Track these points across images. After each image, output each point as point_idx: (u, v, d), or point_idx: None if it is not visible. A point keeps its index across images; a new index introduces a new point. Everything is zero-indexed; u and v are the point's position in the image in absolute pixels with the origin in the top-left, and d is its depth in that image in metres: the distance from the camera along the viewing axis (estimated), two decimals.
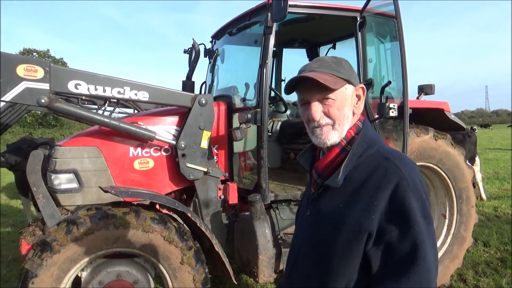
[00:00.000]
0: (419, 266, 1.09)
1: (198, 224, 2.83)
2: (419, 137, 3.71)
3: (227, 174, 3.54)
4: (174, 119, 3.32)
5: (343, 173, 1.23)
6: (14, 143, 5.34)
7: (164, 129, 3.27)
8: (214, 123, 3.40)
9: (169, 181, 3.32)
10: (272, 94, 4.73)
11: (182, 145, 3.18)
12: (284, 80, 5.36)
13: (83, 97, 3.18)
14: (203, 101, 3.24)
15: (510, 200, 7.75)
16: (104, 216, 2.59)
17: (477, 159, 7.88)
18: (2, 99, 2.63)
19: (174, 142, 3.20)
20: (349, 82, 1.29)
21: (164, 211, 2.97)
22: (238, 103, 3.74)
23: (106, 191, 2.66)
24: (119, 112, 3.94)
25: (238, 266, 3.56)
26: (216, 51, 4.48)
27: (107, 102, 3.13)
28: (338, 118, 1.27)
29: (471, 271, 4.40)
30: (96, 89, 2.91)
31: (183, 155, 3.20)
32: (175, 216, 3.01)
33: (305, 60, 5.28)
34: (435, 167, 3.91)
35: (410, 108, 3.46)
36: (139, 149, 3.19)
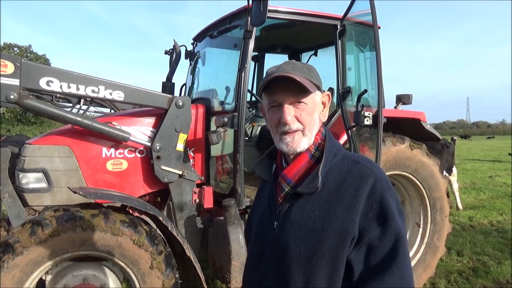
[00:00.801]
0: (401, 262, 1.11)
1: (169, 228, 2.78)
2: (395, 146, 3.75)
3: (203, 178, 3.51)
4: (150, 120, 3.27)
5: (321, 177, 1.20)
6: None
7: (140, 130, 3.21)
8: (191, 126, 3.36)
9: (143, 183, 3.26)
10: (254, 98, 4.73)
11: (157, 147, 3.13)
12: None
13: (58, 95, 3.11)
14: (180, 103, 3.20)
15: (485, 211, 7.91)
16: (71, 218, 2.51)
17: (454, 169, 8.02)
18: None
19: (149, 144, 3.15)
20: (318, 88, 1.28)
21: (136, 214, 2.91)
22: (216, 106, 3.71)
23: (75, 192, 2.58)
24: (95, 112, 3.86)
25: (212, 271, 3.52)
26: (197, 54, 4.45)
27: (81, 100, 3.06)
28: (308, 123, 1.25)
29: (444, 280, 4.45)
30: (69, 87, 2.85)
31: (158, 157, 3.15)
32: (147, 219, 2.95)
33: None
34: (410, 176, 3.95)
35: (386, 117, 3.49)
36: (112, 149, 3.13)
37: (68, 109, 3.01)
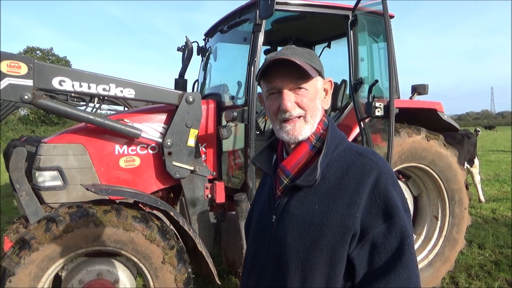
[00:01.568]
0: (407, 261, 1.06)
1: (181, 223, 2.80)
2: (410, 138, 3.66)
3: (215, 173, 3.51)
4: (161, 117, 3.29)
5: (320, 169, 1.14)
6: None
7: (151, 126, 3.24)
8: (203, 121, 3.37)
9: (156, 179, 3.29)
10: None
11: (169, 143, 3.15)
12: None
13: (72, 94, 3.17)
14: (191, 99, 3.21)
15: (509, 203, 7.66)
16: (84, 214, 2.56)
17: (476, 160, 7.79)
18: None
19: (160, 140, 3.17)
20: (320, 74, 1.22)
21: (148, 209, 2.94)
22: (227, 101, 3.71)
23: (87, 189, 2.63)
24: (109, 110, 3.92)
25: (225, 266, 3.53)
26: (209, 49, 4.45)
27: (94, 99, 3.11)
28: (310, 109, 1.18)
29: (464, 274, 4.34)
30: (81, 86, 2.89)
31: (169, 153, 3.17)
32: (159, 215, 2.98)
33: None
34: (427, 168, 3.85)
35: (401, 108, 3.41)
36: (125, 146, 3.17)
37: (82, 108, 3.07)
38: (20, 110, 27.05)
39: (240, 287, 1.40)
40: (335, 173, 1.16)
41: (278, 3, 3.06)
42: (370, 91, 3.16)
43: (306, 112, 1.18)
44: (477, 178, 7.82)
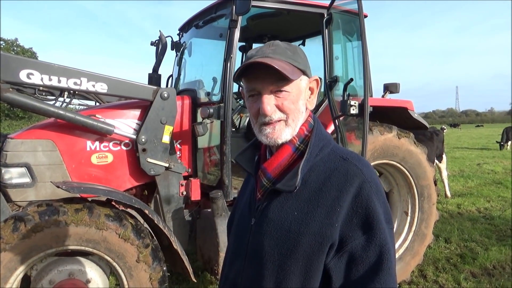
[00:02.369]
0: (385, 277, 1.01)
1: (155, 221, 2.76)
2: (382, 135, 3.75)
3: (190, 170, 3.47)
4: (135, 112, 3.22)
5: (300, 175, 1.08)
6: None
7: (124, 122, 3.17)
8: (177, 117, 3.32)
9: (129, 176, 3.22)
10: (241, 89, 4.69)
11: (143, 140, 3.09)
12: None
13: (40, 88, 3.04)
14: (165, 95, 3.16)
15: (473, 198, 8.01)
16: (54, 213, 2.47)
17: (444, 156, 8.10)
18: None
19: (134, 137, 3.11)
20: (304, 73, 1.15)
21: (121, 207, 2.87)
22: (203, 97, 3.67)
23: (58, 186, 2.54)
24: (79, 105, 3.80)
25: (201, 263, 3.51)
26: (184, 44, 4.38)
27: (64, 93, 3.00)
28: (292, 112, 1.11)
29: (432, 267, 4.51)
30: (50, 79, 2.78)
31: (144, 149, 3.11)
32: (133, 213, 2.92)
33: None
34: (398, 165, 3.96)
35: (373, 106, 3.49)
36: (97, 143, 3.08)
37: (51, 102, 2.95)
38: None
39: (219, 286, 1.37)
40: (317, 179, 1.10)
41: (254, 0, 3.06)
42: (345, 89, 3.21)
43: (287, 115, 1.12)
44: (444, 173, 8.12)
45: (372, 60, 3.46)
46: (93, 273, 2.68)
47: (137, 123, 3.19)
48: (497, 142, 19.83)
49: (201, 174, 3.57)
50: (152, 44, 4.39)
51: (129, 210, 2.90)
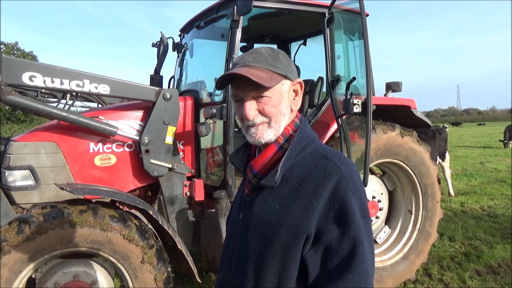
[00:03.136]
0: (357, 268, 1.05)
1: (160, 222, 2.75)
2: (385, 134, 3.74)
3: (193, 171, 3.47)
4: (138, 113, 3.22)
5: (280, 172, 1.16)
6: None
7: (127, 124, 3.17)
8: (180, 118, 3.32)
9: (133, 177, 3.22)
10: None
11: (146, 141, 3.09)
12: None
13: (43, 90, 3.05)
14: (168, 96, 3.16)
15: (476, 196, 7.98)
16: (59, 215, 2.47)
17: (447, 155, 8.08)
18: None
19: (137, 138, 3.10)
20: (286, 77, 1.21)
21: (125, 209, 2.88)
22: (205, 98, 3.67)
23: (62, 188, 2.54)
24: (82, 106, 3.80)
25: (205, 264, 3.50)
26: (185, 45, 4.38)
27: (66, 95, 3.00)
28: (274, 115, 1.19)
29: (436, 265, 4.49)
30: (52, 82, 2.79)
31: (147, 151, 3.11)
32: (137, 214, 2.92)
33: None
34: (401, 163, 3.94)
35: (376, 104, 3.47)
36: (100, 144, 3.08)
37: (54, 104, 2.95)
38: None
39: (215, 283, 1.44)
40: (299, 175, 1.17)
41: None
42: (347, 88, 3.20)
43: (270, 118, 1.20)
44: (448, 172, 8.10)
45: (372, 59, 3.45)
46: (98, 274, 2.68)
47: (139, 124, 3.18)
48: (500, 140, 19.78)
49: (205, 174, 3.57)
50: (153, 45, 4.40)
51: (133, 211, 2.91)
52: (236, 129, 3.40)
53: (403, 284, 4.06)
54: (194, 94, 3.64)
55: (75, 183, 2.94)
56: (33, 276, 2.59)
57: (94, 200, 2.80)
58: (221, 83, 1.22)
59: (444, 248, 5.00)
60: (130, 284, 2.67)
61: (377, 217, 4.04)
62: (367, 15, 3.73)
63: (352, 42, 3.99)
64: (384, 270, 3.93)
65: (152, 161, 3.12)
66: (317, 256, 1.09)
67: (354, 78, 3.24)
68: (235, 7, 3.06)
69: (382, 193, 4.12)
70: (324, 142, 3.58)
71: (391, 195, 4.32)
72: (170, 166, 3.19)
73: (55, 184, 2.71)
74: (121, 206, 2.87)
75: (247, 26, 4.20)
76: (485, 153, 17.25)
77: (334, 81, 3.51)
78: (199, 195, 3.32)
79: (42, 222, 2.42)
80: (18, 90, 2.82)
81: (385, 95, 4.30)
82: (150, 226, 2.89)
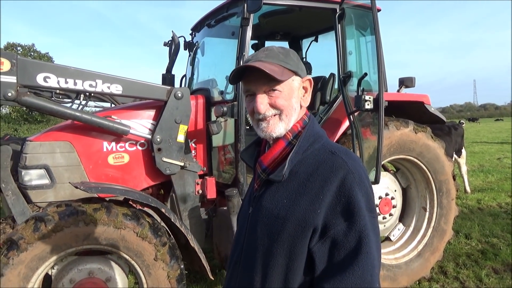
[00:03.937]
0: (363, 261, 1.07)
1: (172, 220, 2.78)
2: (399, 130, 3.69)
3: (205, 169, 3.49)
4: (150, 112, 3.25)
5: (288, 166, 1.19)
6: None
7: (140, 123, 3.20)
8: (192, 116, 3.34)
9: (145, 176, 3.25)
10: None
11: (158, 139, 3.12)
12: None
13: (57, 91, 3.11)
14: (179, 94, 3.18)
15: (493, 193, 7.83)
16: (73, 213, 2.51)
17: (463, 151, 7.93)
18: None
19: (149, 136, 3.13)
20: (296, 73, 1.26)
21: (138, 207, 2.91)
22: (216, 96, 3.68)
23: (76, 187, 2.59)
24: (95, 106, 3.85)
25: (218, 261, 3.52)
26: (196, 44, 4.40)
27: (80, 95, 3.04)
28: (285, 108, 1.23)
29: (452, 263, 4.42)
30: (66, 82, 2.83)
31: (159, 149, 3.14)
32: (150, 212, 2.95)
33: None
34: (415, 160, 3.89)
35: (389, 101, 3.44)
36: (113, 143, 3.12)
37: (68, 105, 3.00)
38: (2, 109, 26.48)
39: (226, 276, 1.47)
40: (306, 170, 1.19)
41: None
42: (359, 84, 3.17)
43: (281, 111, 1.23)
44: (464, 168, 7.96)
45: (385, 56, 3.41)
46: (112, 271, 2.72)
47: (152, 123, 3.21)
48: None
49: (216, 172, 3.59)
50: (165, 44, 4.43)
51: (146, 209, 2.94)
52: (248, 127, 3.40)
53: (417, 282, 4.02)
54: (206, 92, 3.65)
55: (89, 181, 2.99)
56: (49, 273, 2.65)
57: (107, 199, 2.84)
58: (234, 77, 1.25)
59: (460, 246, 4.92)
60: (144, 281, 2.70)
61: (390, 215, 4.00)
62: (379, 10, 3.69)
63: (364, 38, 3.94)
64: (398, 267, 3.89)
65: (165, 159, 3.14)
66: (324, 249, 1.12)
67: (365, 74, 3.21)
68: (245, 5, 3.07)
69: (395, 190, 4.07)
70: (336, 139, 3.56)
71: (404, 192, 4.27)
72: (182, 164, 3.22)
73: (69, 183, 2.76)
74: (134, 204, 2.90)
75: (257, 23, 4.20)
76: (502, 149, 16.89)
77: (345, 77, 3.49)
78: (211, 193, 3.33)
79: (58, 220, 2.47)
80: (33, 91, 2.88)
81: (398, 91, 4.24)
82: (163, 224, 2.92)
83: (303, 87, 1.30)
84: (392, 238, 4.18)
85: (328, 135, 1.49)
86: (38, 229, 2.43)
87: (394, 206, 4.01)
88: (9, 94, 2.62)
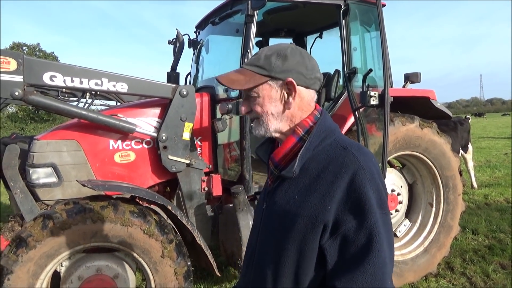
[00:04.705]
0: (374, 258, 1.06)
1: (179, 217, 2.80)
2: (404, 126, 3.68)
3: (211, 166, 3.50)
4: (155, 110, 3.26)
5: (299, 163, 1.19)
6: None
7: (145, 121, 3.22)
8: (197, 114, 3.35)
9: (152, 173, 3.27)
10: None
11: (164, 137, 3.13)
12: None
13: (63, 90, 3.13)
14: (184, 92, 3.19)
15: (500, 188, 7.78)
16: (81, 210, 2.54)
17: (470, 146, 7.89)
18: None
19: (155, 134, 3.15)
20: (272, 78, 1.22)
21: (145, 204, 2.93)
22: (221, 94, 3.68)
23: (83, 185, 2.61)
24: (101, 105, 3.87)
25: (224, 258, 3.54)
26: (201, 42, 4.41)
27: (86, 94, 3.06)
28: (260, 114, 1.25)
29: (459, 259, 4.41)
30: (72, 81, 2.85)
31: (165, 147, 3.15)
32: (156, 209, 2.97)
33: None
34: (421, 156, 3.88)
35: (394, 96, 3.43)
36: (119, 141, 3.14)
37: (74, 103, 3.02)
38: (8, 108, 26.70)
39: (241, 271, 1.48)
40: (317, 166, 1.19)
41: None
42: (364, 80, 3.16)
43: (258, 116, 1.26)
44: (470, 164, 7.92)
45: (390, 51, 3.39)
46: (120, 268, 2.75)
47: (157, 121, 3.23)
48: None
49: (222, 170, 3.60)
50: (169, 42, 4.44)
51: (152, 206, 2.96)
52: (252, 124, 3.41)
53: (424, 278, 4.01)
54: (210, 90, 3.66)
55: (96, 179, 3.01)
56: (58, 270, 2.68)
57: (114, 196, 2.87)
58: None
59: (466, 241, 4.90)
60: (151, 277, 2.72)
61: (396, 211, 4.00)
62: (384, 5, 3.68)
63: (368, 34, 3.93)
64: (405, 263, 3.89)
65: (170, 157, 3.16)
66: (335, 245, 1.11)
67: (370, 70, 3.20)
68: (249, 2, 3.07)
69: (401, 186, 4.06)
70: None
71: (411, 188, 4.26)
72: (188, 162, 3.23)
73: (77, 181, 2.78)
74: (140, 202, 2.92)
75: (262, 20, 4.19)
76: (510, 144, 16.75)
77: (350, 73, 3.47)
78: (217, 190, 3.35)
79: (66, 218, 2.49)
80: (40, 90, 2.90)
81: (403, 86, 4.22)
82: (169, 221, 2.94)
83: (286, 91, 1.24)
84: (398, 234, 4.17)
85: None
86: (46, 227, 2.46)
87: (400, 202, 4.01)
88: (16, 93, 2.65)
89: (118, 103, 4.22)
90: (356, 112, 3.24)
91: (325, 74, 4.37)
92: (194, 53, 4.54)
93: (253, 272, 1.28)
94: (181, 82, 4.43)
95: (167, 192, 3.64)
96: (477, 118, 52.96)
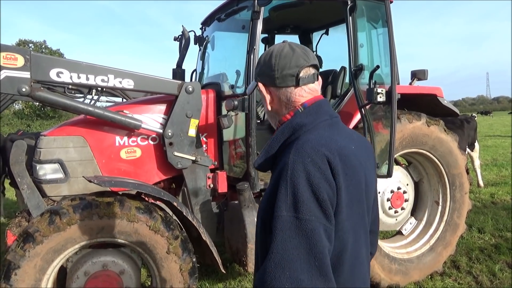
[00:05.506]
0: (278, 248, 1.06)
1: (184, 213, 2.80)
2: (411, 123, 3.65)
3: (216, 163, 3.50)
4: (161, 107, 3.27)
5: (261, 156, 1.28)
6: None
7: (151, 117, 3.22)
8: (202, 111, 3.35)
9: (157, 170, 3.28)
10: None
11: (169, 134, 3.13)
12: None
13: (69, 86, 3.14)
14: (190, 89, 3.19)
15: (507, 187, 7.72)
16: (87, 206, 2.55)
17: (476, 144, 7.82)
18: None
19: (161, 131, 3.15)
20: (258, 80, 1.37)
21: (151, 200, 2.93)
22: (227, 90, 3.68)
23: (89, 181, 2.62)
24: (107, 101, 3.88)
25: (229, 255, 3.54)
26: (206, 38, 4.40)
27: (92, 90, 3.07)
28: (266, 112, 1.42)
29: (465, 257, 4.39)
30: (79, 77, 2.86)
31: (170, 143, 3.15)
32: (162, 205, 2.98)
33: None
34: (427, 153, 3.85)
35: (401, 93, 3.40)
36: (125, 138, 3.15)
37: (80, 100, 3.03)
38: (14, 104, 26.89)
39: None
40: (279, 163, 1.23)
41: None
42: (371, 77, 3.14)
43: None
44: (477, 162, 7.86)
45: (397, 48, 3.36)
46: (125, 264, 2.76)
47: (163, 118, 3.23)
48: None
49: (227, 166, 3.60)
50: (175, 39, 4.43)
51: (158, 202, 2.96)
52: (258, 121, 3.41)
53: (430, 277, 3.99)
54: (216, 86, 3.66)
55: (102, 175, 3.02)
56: (64, 265, 2.70)
57: (120, 192, 2.87)
58: None
59: (473, 240, 4.88)
60: (157, 273, 2.73)
61: (402, 208, 3.97)
62: (391, 1, 3.65)
63: (375, 30, 3.90)
64: (410, 262, 3.87)
65: (176, 153, 3.16)
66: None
67: (377, 67, 3.18)
68: None
69: (407, 184, 4.04)
70: None
71: (417, 186, 4.24)
72: (193, 158, 3.23)
73: (83, 177, 2.79)
74: (146, 198, 2.93)
75: (268, 17, 4.17)
76: None
77: (357, 70, 3.45)
78: (222, 187, 3.35)
79: (72, 213, 2.51)
80: (47, 86, 2.91)
81: (410, 83, 4.19)
82: (174, 217, 2.94)
83: (262, 93, 1.37)
84: (404, 232, 4.15)
85: None
86: (53, 222, 2.47)
87: (406, 200, 3.98)
88: (24, 90, 2.66)
89: (124, 100, 4.23)
90: (363, 109, 3.22)
91: (331, 71, 4.35)
92: (199, 50, 4.53)
93: (256, 267, 1.34)
94: (187, 78, 4.43)
95: (173, 188, 3.65)
96: (483, 116, 52.52)
